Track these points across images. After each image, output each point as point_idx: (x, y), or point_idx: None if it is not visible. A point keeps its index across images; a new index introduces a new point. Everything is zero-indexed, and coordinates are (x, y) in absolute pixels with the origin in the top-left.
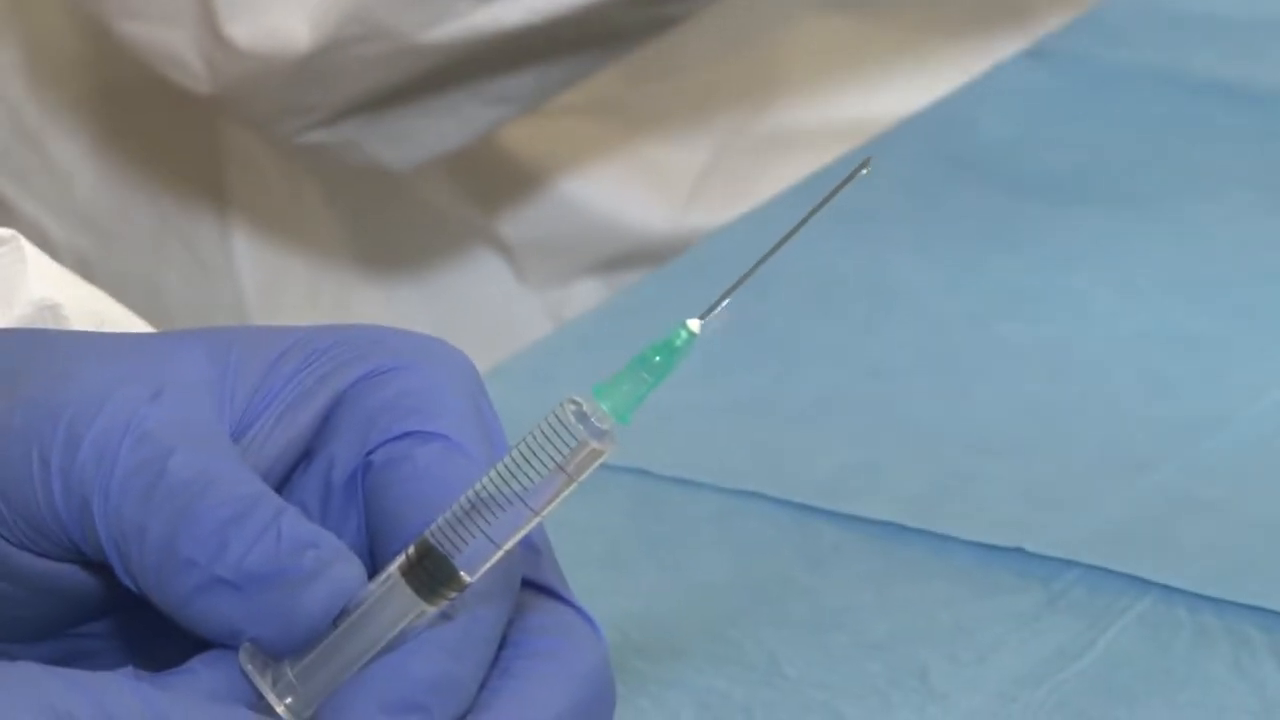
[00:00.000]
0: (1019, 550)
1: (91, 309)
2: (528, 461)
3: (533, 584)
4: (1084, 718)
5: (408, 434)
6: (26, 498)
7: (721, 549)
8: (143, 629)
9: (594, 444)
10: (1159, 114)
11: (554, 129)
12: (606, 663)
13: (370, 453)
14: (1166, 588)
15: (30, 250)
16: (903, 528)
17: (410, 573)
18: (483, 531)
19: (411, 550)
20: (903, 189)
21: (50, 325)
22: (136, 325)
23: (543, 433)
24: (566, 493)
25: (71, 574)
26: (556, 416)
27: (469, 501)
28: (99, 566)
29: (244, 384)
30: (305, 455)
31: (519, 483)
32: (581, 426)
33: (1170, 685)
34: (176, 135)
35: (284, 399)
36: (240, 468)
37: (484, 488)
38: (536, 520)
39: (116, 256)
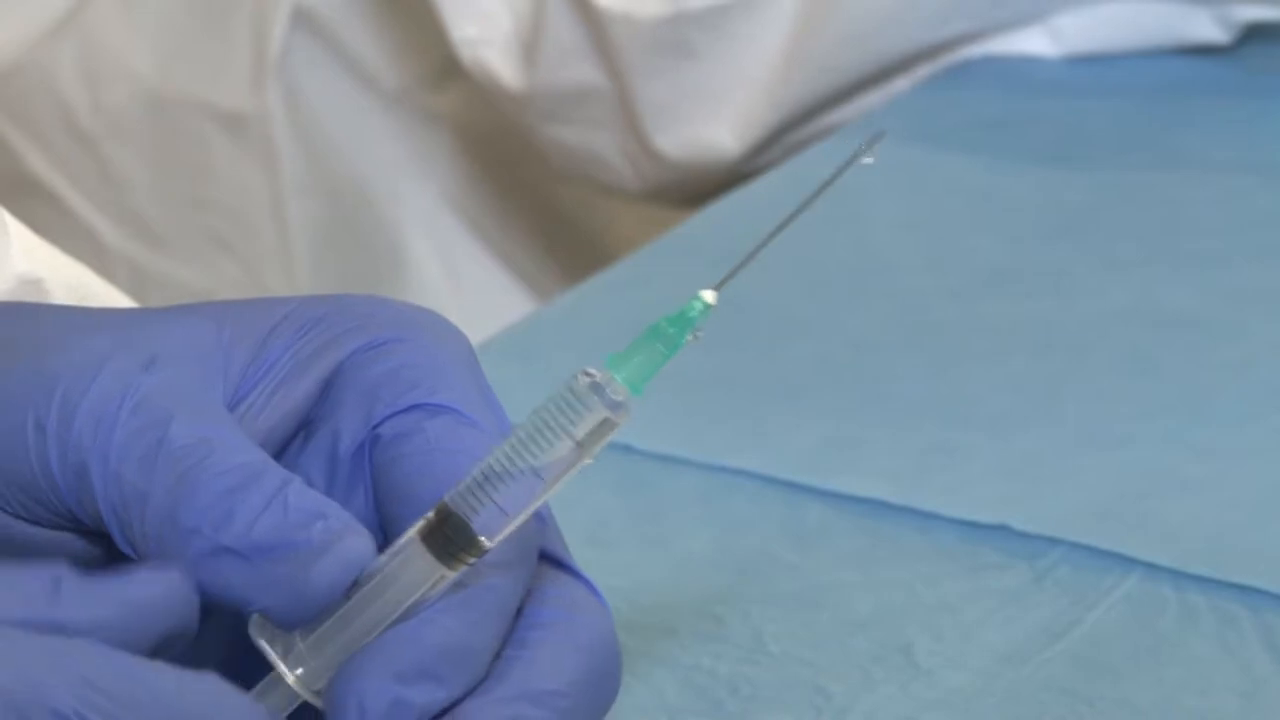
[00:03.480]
0: (1004, 527)
1: (74, 284)
2: (542, 433)
3: (541, 554)
4: (1069, 696)
5: (415, 406)
6: (22, 466)
7: (706, 526)
8: None
9: (608, 415)
10: (1142, 91)
11: None
12: (613, 633)
13: (377, 426)
14: (1152, 566)
15: (13, 224)
16: (887, 504)
17: (430, 537)
18: (496, 501)
19: (432, 515)
20: (885, 166)
21: (33, 300)
22: (120, 301)
23: (556, 405)
24: (582, 463)
25: (69, 542)
26: (570, 388)
27: (486, 471)
28: (96, 534)
29: (238, 355)
30: (302, 427)
31: (532, 453)
32: (595, 397)
33: (1156, 664)
34: (232, 150)
35: (279, 370)
36: (240, 436)
37: (499, 458)
38: (552, 491)
39: (169, 266)
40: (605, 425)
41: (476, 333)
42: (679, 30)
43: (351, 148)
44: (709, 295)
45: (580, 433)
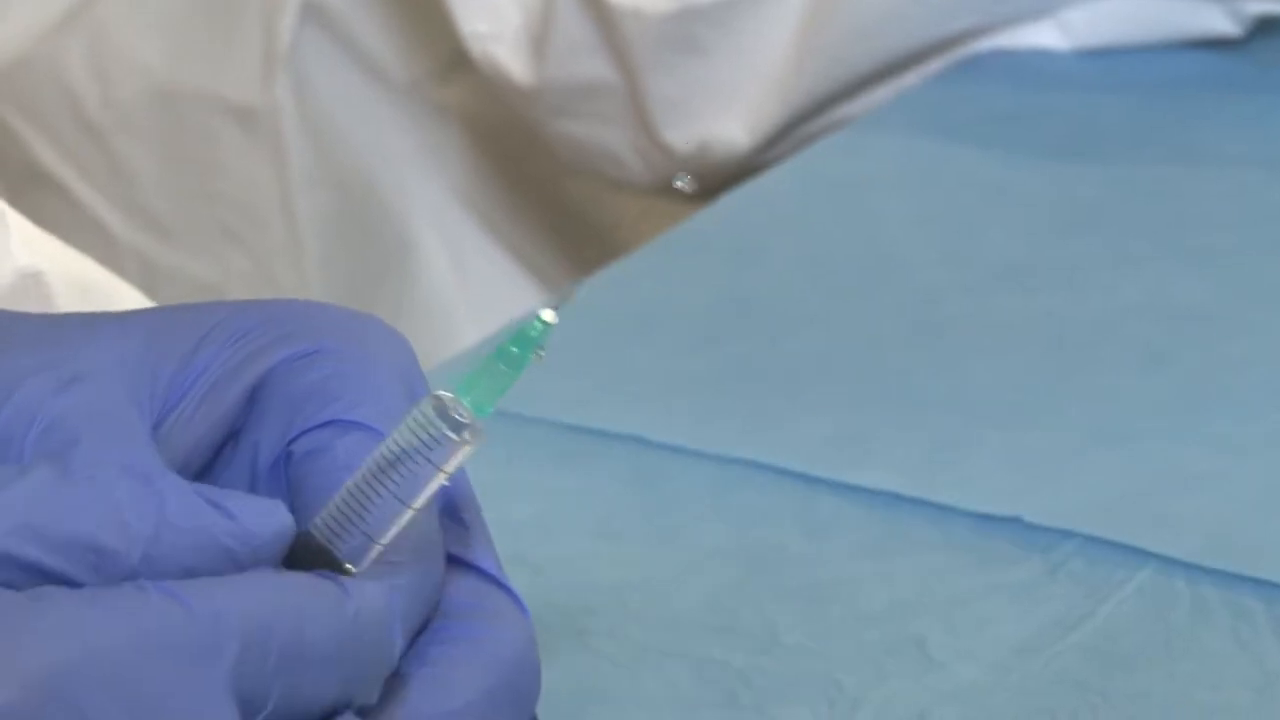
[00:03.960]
0: (1017, 520)
1: (76, 276)
2: (397, 458)
3: (459, 561)
4: (1082, 689)
5: (329, 423)
6: None
7: (718, 518)
8: None
9: (454, 436)
10: (1154, 85)
11: None
12: (531, 645)
13: (292, 441)
14: (1165, 559)
15: (12, 216)
16: (899, 497)
17: (294, 568)
18: (359, 527)
19: (294, 544)
20: (896, 160)
21: (33, 294)
22: (123, 291)
23: (409, 429)
24: (438, 483)
25: None
26: (421, 412)
27: (347, 495)
28: None
29: (167, 364)
30: (233, 436)
31: (390, 479)
32: (443, 423)
33: (1169, 657)
34: (241, 143)
35: (208, 379)
36: (148, 458)
37: (357, 483)
38: (410, 514)
39: (179, 259)
40: (453, 445)
41: (485, 325)
42: (688, 25)
43: (361, 141)
44: (548, 314)
45: (433, 456)
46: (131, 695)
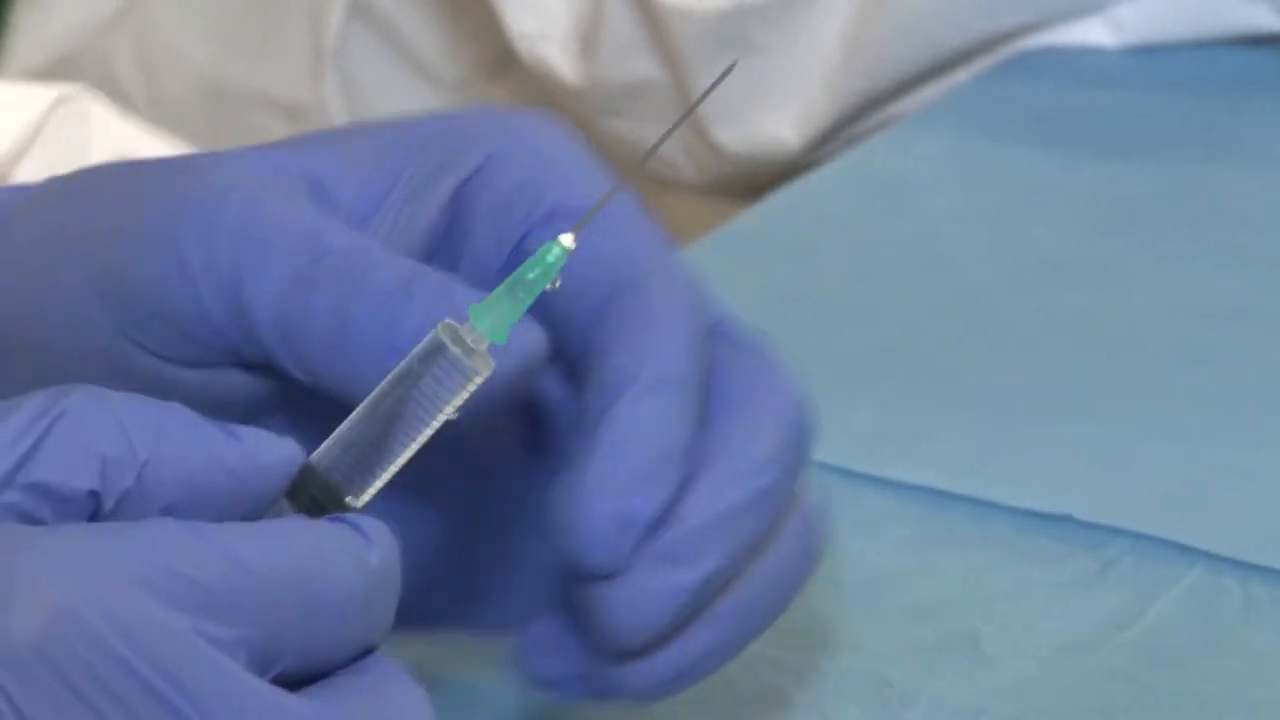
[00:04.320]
0: (1067, 518)
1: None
2: (406, 387)
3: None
4: (1133, 686)
5: (551, 212)
6: (169, 305)
7: None
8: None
9: (468, 363)
10: (1200, 83)
11: None
12: (800, 390)
13: (522, 240)
14: (1216, 556)
15: (96, 109)
16: (947, 494)
17: (296, 498)
18: (363, 460)
19: (297, 475)
20: (944, 158)
21: None
22: None
23: (419, 356)
24: (444, 416)
25: (226, 378)
26: (432, 339)
27: (350, 426)
28: (251, 367)
29: (351, 175)
30: (430, 256)
31: (398, 410)
32: (456, 349)
33: (1220, 655)
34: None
35: (404, 189)
36: (385, 247)
37: (362, 414)
38: (415, 447)
39: None
40: (465, 372)
41: None
42: (738, 24)
43: None
44: (568, 239)
45: (444, 384)
46: (140, 634)
